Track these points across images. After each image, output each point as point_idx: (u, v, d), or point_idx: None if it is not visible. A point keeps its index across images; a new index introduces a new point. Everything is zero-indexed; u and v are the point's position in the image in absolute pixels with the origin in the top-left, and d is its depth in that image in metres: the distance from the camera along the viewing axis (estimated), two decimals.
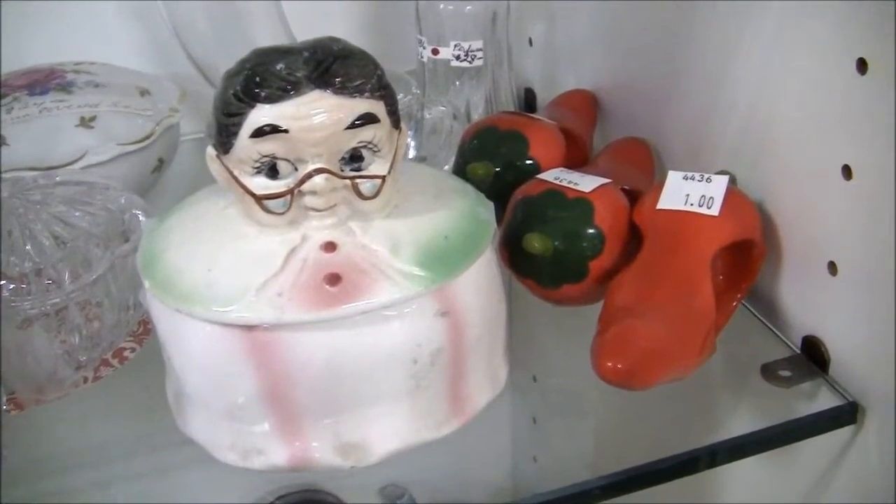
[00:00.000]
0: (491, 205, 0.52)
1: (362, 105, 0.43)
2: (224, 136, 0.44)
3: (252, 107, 0.42)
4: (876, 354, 0.54)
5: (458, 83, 0.82)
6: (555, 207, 0.58)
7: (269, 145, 0.42)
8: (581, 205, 0.58)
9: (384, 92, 0.45)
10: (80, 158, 0.71)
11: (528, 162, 0.66)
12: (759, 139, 0.60)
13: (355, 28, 0.99)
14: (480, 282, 0.48)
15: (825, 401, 0.56)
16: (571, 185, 0.59)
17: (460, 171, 0.67)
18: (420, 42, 0.82)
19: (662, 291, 0.54)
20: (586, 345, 0.51)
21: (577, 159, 0.72)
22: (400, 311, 0.44)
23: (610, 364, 0.49)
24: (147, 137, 0.75)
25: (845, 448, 0.57)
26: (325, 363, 0.44)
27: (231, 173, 0.44)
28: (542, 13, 0.90)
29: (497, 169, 0.66)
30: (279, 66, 0.42)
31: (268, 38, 0.85)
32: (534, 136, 0.67)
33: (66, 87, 0.76)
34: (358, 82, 0.43)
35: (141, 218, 0.60)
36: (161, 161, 0.78)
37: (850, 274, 0.55)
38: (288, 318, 0.42)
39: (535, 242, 0.56)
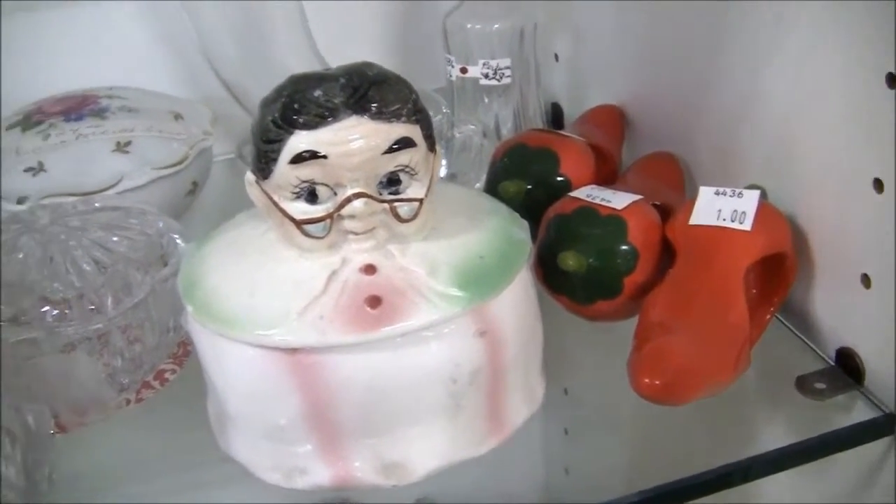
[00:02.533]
0: (525, 224, 0.52)
1: (399, 130, 0.44)
2: (263, 163, 0.44)
3: (291, 133, 0.43)
4: None
5: (486, 101, 0.83)
6: (588, 225, 0.59)
7: (307, 171, 0.43)
8: (614, 222, 0.58)
9: (420, 116, 0.45)
10: (117, 184, 0.72)
11: (559, 179, 0.66)
12: (789, 152, 0.60)
13: (383, 48, 0.99)
14: (517, 301, 0.49)
15: (861, 413, 0.56)
16: (604, 203, 0.59)
17: (492, 189, 0.67)
18: (448, 61, 0.82)
19: (696, 307, 0.54)
20: (617, 358, 0.52)
21: (607, 175, 0.72)
22: (439, 331, 0.45)
23: (647, 380, 0.49)
24: (181, 161, 0.76)
25: (882, 460, 0.57)
26: (366, 384, 0.45)
27: (271, 198, 0.45)
28: (567, 29, 0.90)
29: (528, 186, 0.66)
30: (316, 93, 0.43)
31: (295, 59, 0.85)
32: (564, 152, 0.67)
33: (101, 113, 0.77)
34: (394, 107, 0.43)
35: (178, 242, 0.60)
36: (195, 184, 0.79)
37: (883, 286, 0.54)
38: (330, 340, 0.43)
39: (570, 260, 0.57)
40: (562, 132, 0.71)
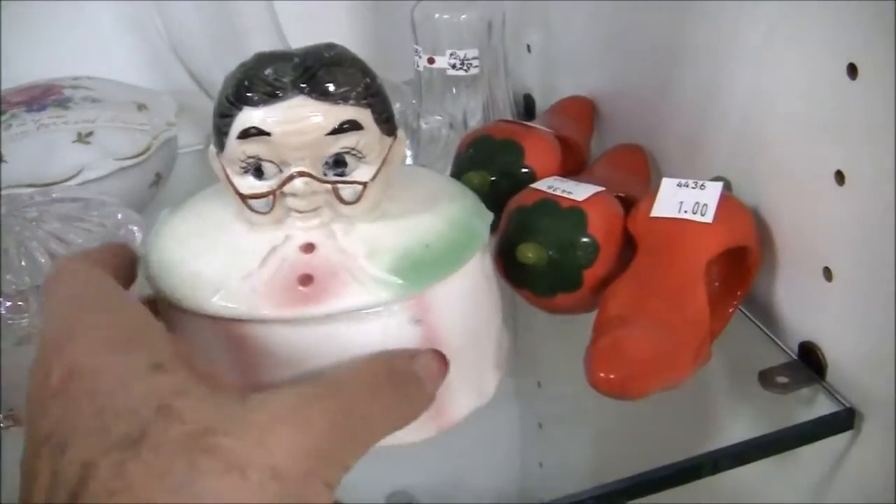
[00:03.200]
0: (489, 215, 0.51)
1: (345, 112, 0.43)
2: (218, 136, 0.44)
3: (240, 109, 0.43)
4: (872, 360, 0.54)
5: (454, 92, 0.83)
6: (548, 217, 0.58)
7: (253, 147, 0.43)
8: (575, 214, 0.58)
9: (372, 100, 0.45)
10: (78, 174, 0.72)
11: (523, 171, 0.66)
12: (753, 145, 0.60)
13: (352, 39, 0.98)
14: (464, 292, 0.48)
15: (822, 407, 0.56)
16: (565, 194, 0.59)
17: (456, 180, 0.67)
18: (416, 51, 0.82)
19: (656, 300, 0.54)
20: (583, 345, 0.52)
21: (574, 167, 0.72)
22: (369, 315, 0.44)
23: (602, 375, 0.49)
24: (144, 152, 0.75)
25: (843, 454, 0.57)
26: (293, 362, 0.44)
27: (224, 172, 0.45)
28: (539, 20, 0.90)
29: (493, 178, 0.66)
30: (267, 72, 0.42)
31: (265, 50, 0.85)
32: (529, 144, 0.67)
33: (64, 103, 0.76)
34: (343, 90, 0.43)
35: (136, 233, 0.60)
36: (159, 175, 0.78)
37: (845, 279, 0.54)
38: (258, 313, 0.43)
39: (529, 252, 0.56)
40: (528, 123, 0.71)
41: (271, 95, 0.42)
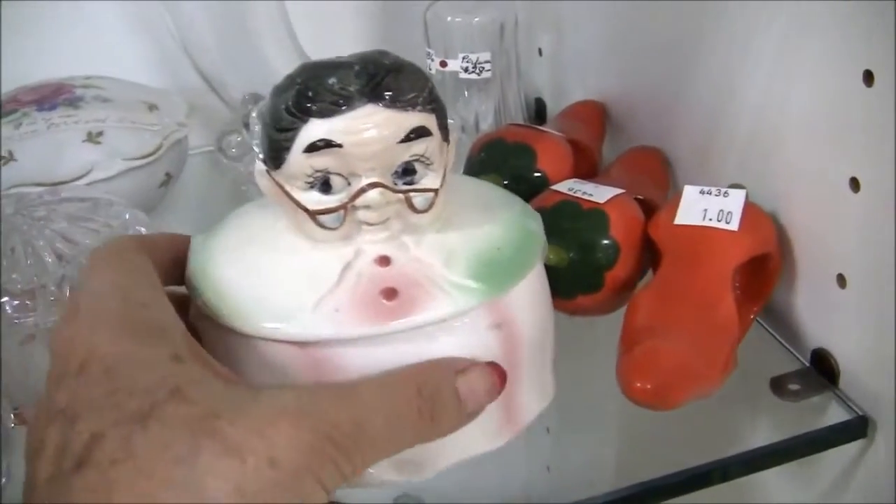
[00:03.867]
0: (538, 216, 0.51)
1: (415, 118, 0.43)
2: (275, 152, 0.43)
3: (305, 121, 0.41)
4: (885, 368, 0.53)
5: (466, 95, 0.83)
6: (570, 219, 0.58)
7: (322, 160, 0.42)
8: (596, 215, 0.58)
9: (435, 105, 0.44)
10: (87, 174, 0.72)
11: (535, 174, 0.66)
12: (767, 150, 0.60)
13: (364, 40, 0.99)
14: (532, 293, 0.48)
15: (835, 415, 0.56)
16: (586, 196, 0.59)
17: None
18: (428, 54, 0.82)
19: (684, 309, 0.54)
20: (600, 355, 0.52)
21: (586, 170, 0.71)
22: (455, 323, 0.44)
23: (639, 385, 0.49)
24: (154, 152, 0.75)
25: (856, 462, 0.57)
26: None
27: (282, 188, 0.44)
28: (551, 24, 0.90)
29: (505, 182, 0.65)
30: (331, 81, 0.42)
31: (275, 50, 0.85)
32: (541, 148, 0.67)
33: (74, 103, 0.76)
34: (410, 95, 0.42)
35: (144, 234, 0.60)
36: (168, 175, 0.78)
37: (858, 286, 0.54)
38: (346, 332, 0.42)
39: (551, 254, 0.56)
40: (540, 127, 0.70)
41: (338, 105, 0.41)
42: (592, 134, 0.78)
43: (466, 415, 0.42)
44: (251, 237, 0.47)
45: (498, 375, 0.44)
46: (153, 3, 0.85)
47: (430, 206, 0.44)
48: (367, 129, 0.41)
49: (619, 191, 0.60)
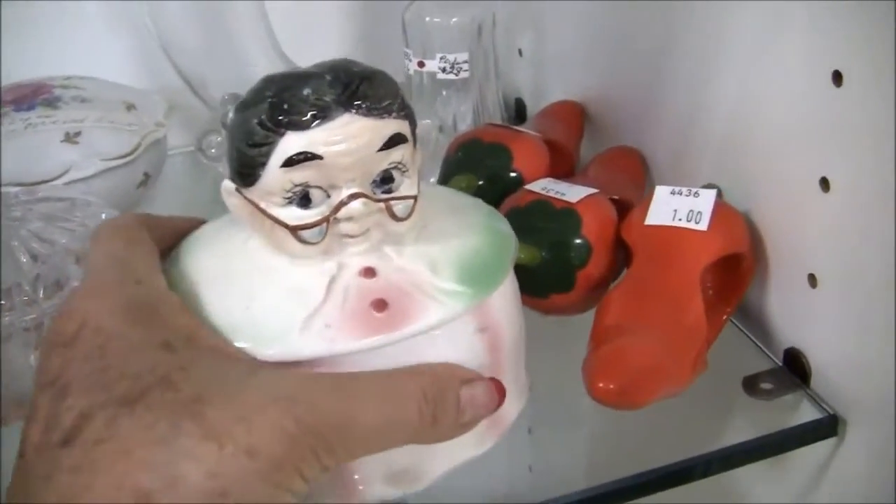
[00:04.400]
0: (504, 219, 0.51)
1: (391, 126, 0.41)
2: (248, 168, 0.41)
3: (281, 135, 0.40)
4: (855, 367, 0.54)
5: (444, 95, 0.83)
6: (542, 218, 0.59)
7: (302, 174, 0.41)
8: (568, 215, 0.58)
9: (407, 111, 0.43)
10: (65, 174, 0.72)
11: (511, 174, 0.66)
12: (741, 150, 0.60)
13: (342, 40, 0.99)
14: (508, 294, 0.47)
15: (806, 413, 0.56)
16: (558, 196, 0.59)
17: (445, 183, 0.67)
18: (406, 55, 0.82)
19: (653, 308, 0.54)
20: (581, 354, 0.52)
21: (563, 170, 0.72)
22: (445, 330, 0.43)
23: (602, 385, 0.49)
24: (131, 152, 0.75)
25: (827, 460, 0.57)
26: None
27: (257, 206, 0.42)
28: (530, 24, 0.90)
29: (480, 182, 0.66)
30: (306, 92, 0.40)
31: (255, 50, 0.85)
32: (517, 148, 0.67)
33: (53, 103, 0.76)
34: (385, 103, 0.41)
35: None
36: (147, 175, 0.78)
37: (829, 286, 0.54)
38: (339, 348, 0.41)
39: (522, 253, 0.56)
40: (517, 127, 0.71)
41: (316, 116, 0.40)
42: (570, 134, 0.78)
43: (462, 424, 0.42)
44: (226, 258, 0.46)
45: (498, 392, 0.44)
46: (134, 2, 0.84)
47: (411, 213, 0.44)
48: (347, 138, 0.40)
49: (593, 190, 0.60)
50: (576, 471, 0.59)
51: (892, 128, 0.46)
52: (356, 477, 0.45)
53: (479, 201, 0.52)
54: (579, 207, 0.58)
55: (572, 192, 0.59)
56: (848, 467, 0.56)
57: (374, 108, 0.41)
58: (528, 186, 0.62)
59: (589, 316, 0.57)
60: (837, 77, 0.50)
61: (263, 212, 0.42)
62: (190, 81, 0.86)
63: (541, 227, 0.58)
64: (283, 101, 0.40)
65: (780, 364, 0.60)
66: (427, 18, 0.80)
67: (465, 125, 0.83)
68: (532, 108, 0.94)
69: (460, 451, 0.46)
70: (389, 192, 0.43)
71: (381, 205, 0.43)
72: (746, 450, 0.55)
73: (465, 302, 0.43)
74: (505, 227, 0.50)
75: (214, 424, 0.34)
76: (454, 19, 0.80)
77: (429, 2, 0.81)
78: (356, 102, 0.40)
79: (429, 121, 0.79)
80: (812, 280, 0.55)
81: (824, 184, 0.53)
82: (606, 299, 0.56)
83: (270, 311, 0.42)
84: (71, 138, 0.73)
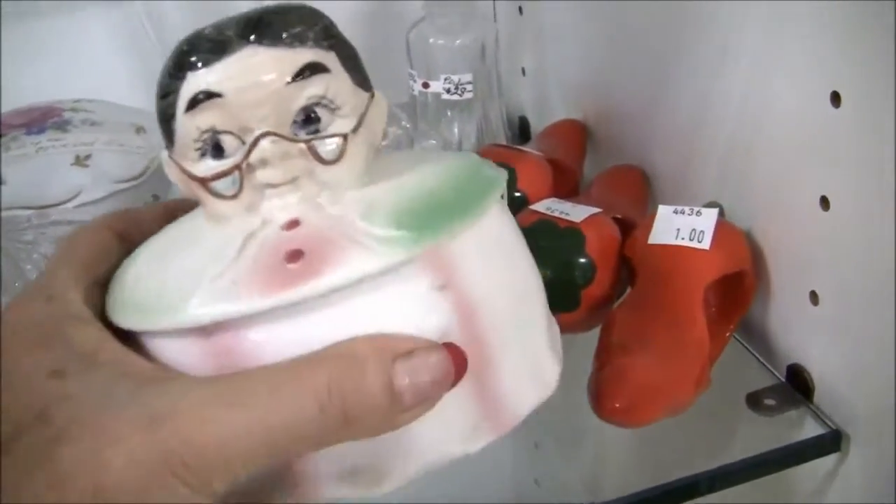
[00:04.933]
0: (498, 167, 0.42)
1: (305, 55, 0.36)
2: (165, 124, 0.37)
3: (183, 79, 0.36)
4: (858, 383, 0.54)
5: (449, 115, 0.84)
6: (547, 237, 0.59)
7: (205, 116, 0.36)
8: (572, 235, 0.59)
9: (335, 42, 0.38)
10: (75, 197, 0.72)
11: (516, 194, 0.67)
12: (743, 169, 0.61)
13: None
14: (489, 246, 0.39)
15: (809, 429, 0.57)
16: (562, 216, 0.60)
17: None
18: (411, 76, 0.83)
19: (656, 327, 0.55)
20: (586, 371, 0.53)
21: (567, 190, 0.72)
22: (381, 285, 0.35)
23: (608, 403, 0.50)
24: (140, 175, 0.76)
25: (830, 475, 0.58)
26: None
27: (180, 167, 0.38)
28: (533, 43, 0.91)
29: None
30: (207, 30, 0.36)
31: None
32: (521, 168, 0.68)
33: (63, 126, 0.77)
34: (297, 30, 0.37)
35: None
36: (155, 197, 0.79)
37: (830, 303, 0.55)
38: (243, 307, 0.34)
39: None
40: (520, 147, 0.72)
41: (215, 52, 0.36)
42: (573, 153, 0.79)
43: (404, 410, 0.34)
44: (169, 234, 0.41)
45: (455, 360, 0.36)
46: (141, 24, 0.85)
47: (341, 154, 0.37)
48: (248, 71, 0.36)
49: (596, 210, 0.61)
50: (581, 486, 0.59)
51: (889, 148, 0.47)
52: (307, 474, 0.38)
53: (472, 155, 0.44)
54: (583, 227, 0.59)
55: (576, 212, 0.60)
56: (851, 482, 0.57)
57: (282, 37, 0.36)
58: (532, 206, 0.62)
59: (594, 333, 0.57)
60: (836, 98, 0.50)
61: (183, 170, 0.38)
62: None
63: (545, 247, 0.58)
64: (185, 43, 0.36)
65: (783, 380, 0.60)
66: (431, 40, 0.81)
67: (469, 144, 0.84)
68: (535, 126, 0.95)
69: (439, 446, 0.38)
70: (317, 133, 0.37)
71: (302, 146, 0.37)
72: (750, 465, 0.55)
73: (401, 246, 0.35)
74: (491, 171, 0.41)
75: (65, 466, 0.31)
76: (458, 41, 0.81)
77: (432, 23, 0.82)
78: (261, 32, 0.36)
79: (434, 141, 0.80)
80: (813, 297, 0.56)
81: (824, 202, 0.53)
82: (611, 317, 0.57)
83: (180, 278, 0.36)
84: (81, 161, 0.74)
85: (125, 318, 0.37)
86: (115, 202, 0.74)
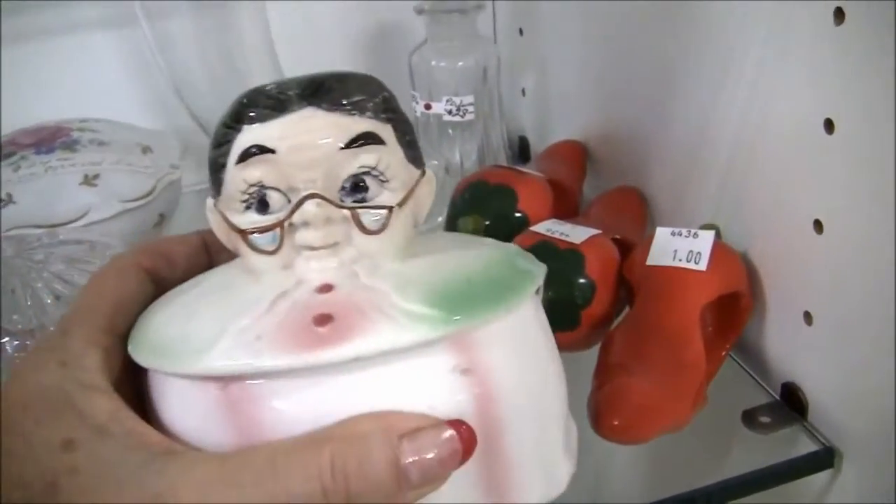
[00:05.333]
0: (534, 258, 0.44)
1: (362, 124, 0.37)
2: (215, 173, 0.38)
3: (239, 130, 0.37)
4: (851, 401, 0.55)
5: (450, 135, 0.85)
6: (547, 258, 0.59)
7: (255, 171, 0.36)
8: (572, 256, 0.59)
9: (393, 116, 0.38)
10: (84, 216, 0.73)
11: (517, 215, 0.68)
12: (739, 192, 0.62)
13: None
14: (517, 339, 0.38)
15: (803, 446, 0.58)
16: (563, 237, 0.61)
17: (451, 224, 0.69)
18: (413, 97, 0.84)
19: (654, 346, 0.56)
20: (586, 389, 0.53)
21: (567, 210, 0.73)
22: (405, 360, 0.35)
23: (607, 421, 0.51)
24: (148, 194, 0.77)
25: (824, 491, 0.59)
26: (313, 424, 0.35)
27: (223, 216, 0.38)
28: (534, 64, 0.92)
29: (487, 222, 0.67)
30: (269, 87, 0.37)
31: None
32: (522, 189, 0.69)
33: (71, 146, 0.78)
34: (357, 98, 0.37)
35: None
36: (162, 216, 0.80)
37: (824, 323, 0.56)
38: (265, 364, 0.34)
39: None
40: (521, 168, 0.72)
41: (274, 110, 0.36)
42: (573, 174, 0.80)
43: (410, 488, 0.34)
44: (201, 281, 0.41)
45: (463, 439, 0.35)
46: (146, 45, 0.86)
47: (384, 226, 0.37)
48: (304, 132, 0.36)
49: (596, 231, 0.62)
50: (580, 502, 0.60)
51: (880, 174, 0.48)
52: None
53: (512, 245, 0.45)
54: (583, 248, 0.60)
55: (576, 234, 0.61)
56: (844, 498, 0.57)
57: (342, 104, 0.37)
58: (533, 228, 0.63)
59: (593, 351, 0.58)
60: (829, 125, 0.51)
61: (225, 220, 0.38)
62: (202, 123, 0.88)
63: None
64: (245, 97, 0.37)
65: (778, 398, 0.61)
66: (433, 62, 0.82)
67: (470, 163, 0.85)
68: (535, 146, 0.96)
69: None
70: (363, 201, 0.38)
71: (346, 212, 0.37)
72: (746, 482, 0.56)
73: (430, 325, 0.35)
74: (527, 264, 0.42)
75: None
76: (459, 63, 0.82)
77: (434, 46, 0.83)
78: (321, 96, 0.37)
79: (436, 161, 0.81)
80: (807, 317, 0.57)
81: (818, 226, 0.54)
82: (609, 337, 0.58)
83: (207, 326, 0.36)
84: (89, 181, 0.75)
85: (146, 358, 0.37)
86: (122, 221, 0.75)
